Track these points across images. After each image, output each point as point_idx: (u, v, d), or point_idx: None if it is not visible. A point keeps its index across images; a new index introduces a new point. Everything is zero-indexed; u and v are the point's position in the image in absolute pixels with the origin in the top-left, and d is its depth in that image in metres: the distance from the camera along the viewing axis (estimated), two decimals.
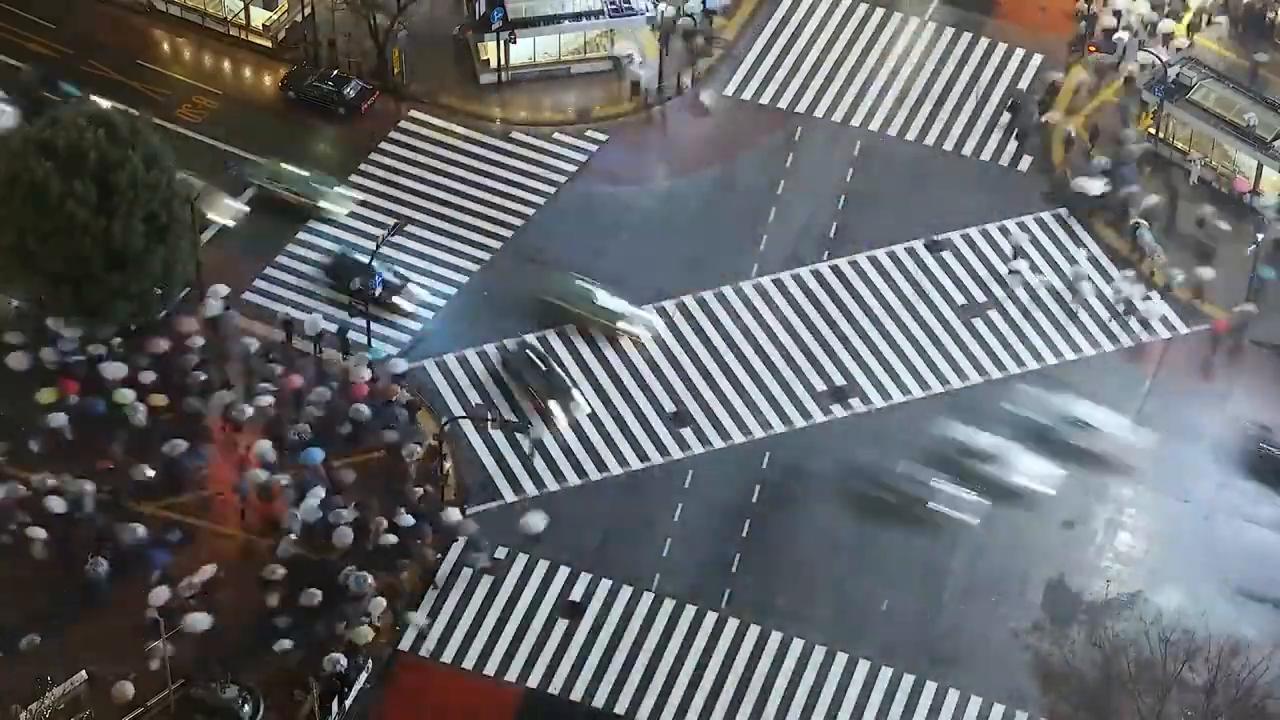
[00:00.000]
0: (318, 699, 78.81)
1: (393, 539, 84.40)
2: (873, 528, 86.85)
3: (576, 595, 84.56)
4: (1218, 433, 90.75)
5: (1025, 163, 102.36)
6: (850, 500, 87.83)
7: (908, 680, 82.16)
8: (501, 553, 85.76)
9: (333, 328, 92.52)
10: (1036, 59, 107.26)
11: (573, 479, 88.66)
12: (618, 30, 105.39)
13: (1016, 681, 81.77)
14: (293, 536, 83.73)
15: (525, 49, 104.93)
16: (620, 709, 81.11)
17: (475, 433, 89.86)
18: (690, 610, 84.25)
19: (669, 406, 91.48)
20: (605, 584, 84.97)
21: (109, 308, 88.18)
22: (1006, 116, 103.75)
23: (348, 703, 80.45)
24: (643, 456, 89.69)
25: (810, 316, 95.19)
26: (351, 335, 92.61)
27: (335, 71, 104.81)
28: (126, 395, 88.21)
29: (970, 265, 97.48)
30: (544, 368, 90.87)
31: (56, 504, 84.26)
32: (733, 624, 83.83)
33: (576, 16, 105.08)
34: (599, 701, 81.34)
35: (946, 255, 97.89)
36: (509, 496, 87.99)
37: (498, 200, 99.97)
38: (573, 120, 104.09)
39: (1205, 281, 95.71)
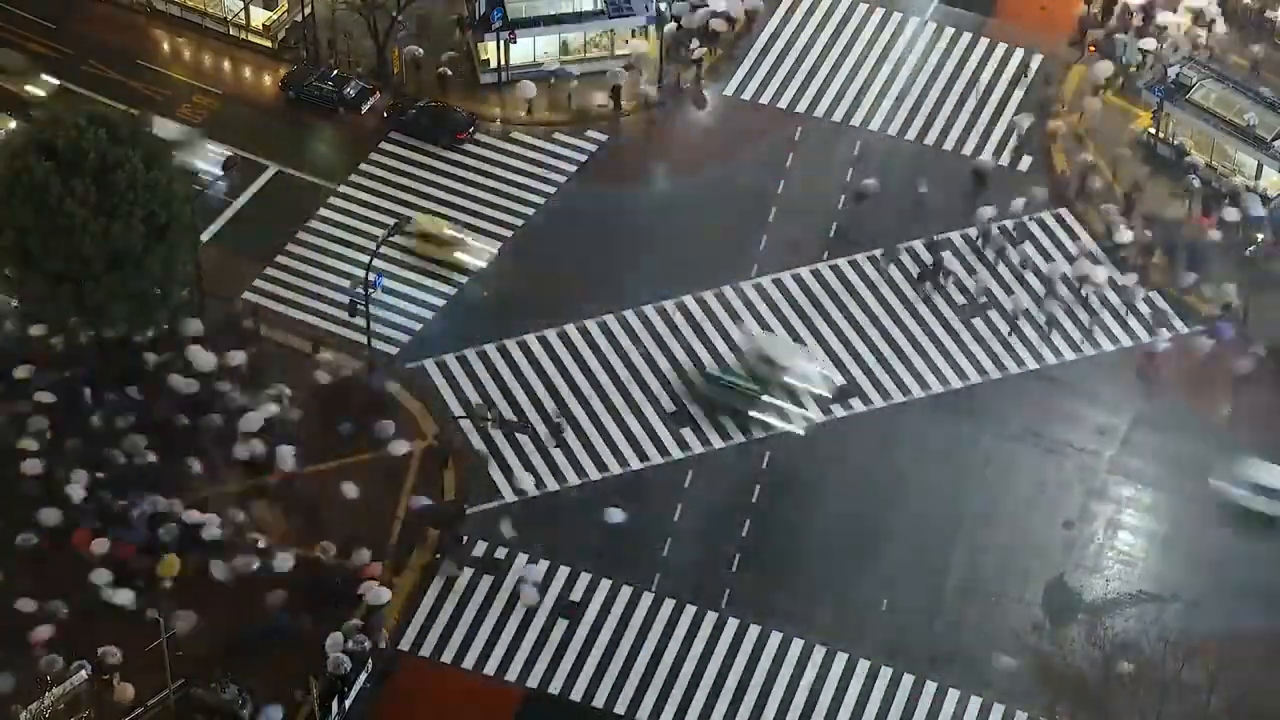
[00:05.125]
0: (318, 699, 78.83)
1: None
2: (873, 528, 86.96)
3: (576, 595, 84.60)
4: (1217, 432, 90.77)
5: (1025, 163, 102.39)
6: (850, 500, 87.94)
7: (908, 680, 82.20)
8: (501, 553, 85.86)
9: None
10: (1037, 59, 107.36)
11: (573, 479, 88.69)
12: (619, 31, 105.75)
13: (1017, 681, 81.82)
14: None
15: (525, 48, 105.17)
16: (620, 709, 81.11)
17: (475, 432, 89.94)
18: (690, 610, 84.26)
19: (669, 406, 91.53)
20: (605, 584, 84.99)
21: (109, 308, 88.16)
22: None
23: (348, 703, 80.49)
24: (643, 456, 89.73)
25: (810, 316, 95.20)
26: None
27: (335, 71, 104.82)
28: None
29: (970, 265, 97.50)
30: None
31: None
32: (733, 624, 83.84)
33: (576, 16, 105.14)
34: (599, 701, 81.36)
35: (946, 255, 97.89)
36: (509, 496, 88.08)
37: (498, 200, 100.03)
38: (573, 120, 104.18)
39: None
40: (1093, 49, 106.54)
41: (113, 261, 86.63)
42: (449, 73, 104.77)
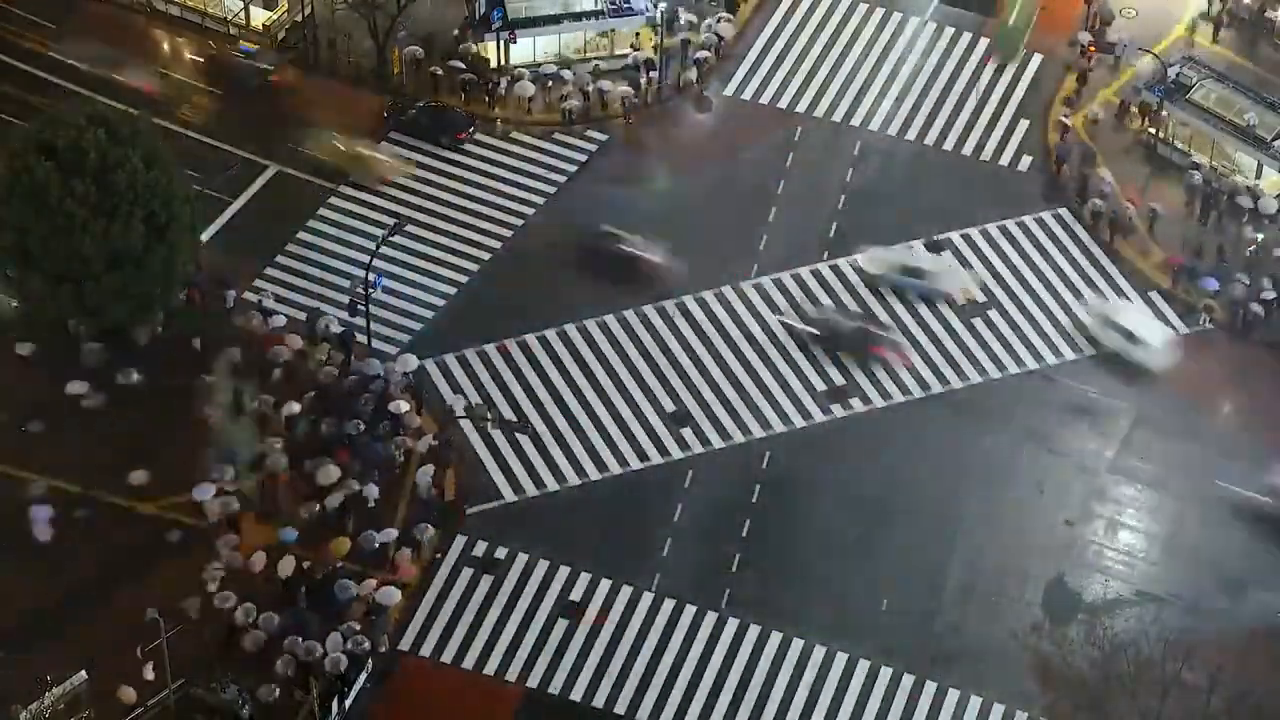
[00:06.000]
0: (318, 699, 78.83)
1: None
2: (873, 528, 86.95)
3: (576, 595, 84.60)
4: (1217, 432, 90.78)
5: (1025, 163, 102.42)
6: (850, 500, 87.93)
7: (908, 680, 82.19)
8: (501, 553, 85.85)
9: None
10: (1036, 59, 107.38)
11: (573, 479, 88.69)
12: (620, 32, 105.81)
13: (1016, 681, 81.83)
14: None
15: (525, 48, 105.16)
16: (620, 709, 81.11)
17: (475, 432, 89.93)
18: (690, 610, 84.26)
19: (669, 406, 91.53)
20: (605, 584, 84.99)
21: (109, 308, 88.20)
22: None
23: (348, 703, 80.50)
24: (643, 456, 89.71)
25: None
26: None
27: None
28: None
29: (970, 265, 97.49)
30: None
31: None
32: (733, 624, 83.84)
33: (576, 16, 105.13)
34: (599, 701, 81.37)
35: (946, 255, 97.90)
36: (509, 496, 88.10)
37: (497, 200, 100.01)
38: (573, 120, 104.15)
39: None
40: (1092, 49, 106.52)
41: (113, 261, 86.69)
42: (439, 72, 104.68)
